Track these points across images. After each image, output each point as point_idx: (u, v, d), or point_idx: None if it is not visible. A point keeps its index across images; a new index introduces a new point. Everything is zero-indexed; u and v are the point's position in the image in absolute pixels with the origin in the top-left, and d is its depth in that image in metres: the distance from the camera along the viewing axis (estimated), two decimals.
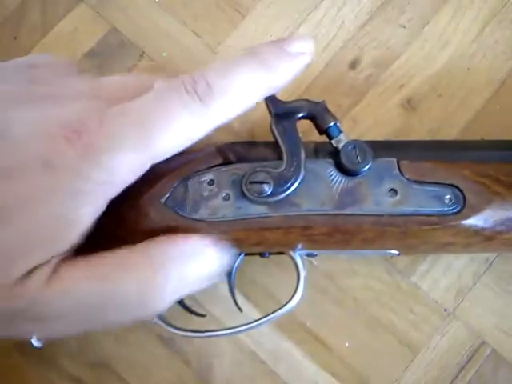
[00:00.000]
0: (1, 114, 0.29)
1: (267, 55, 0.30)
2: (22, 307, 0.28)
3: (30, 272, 0.27)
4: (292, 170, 0.31)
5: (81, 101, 0.30)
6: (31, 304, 0.28)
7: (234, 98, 0.29)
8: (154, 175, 0.31)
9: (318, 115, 0.32)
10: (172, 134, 0.29)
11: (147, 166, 0.29)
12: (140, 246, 0.30)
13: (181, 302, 0.36)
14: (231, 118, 0.30)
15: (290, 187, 0.31)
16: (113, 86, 0.32)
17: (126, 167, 0.28)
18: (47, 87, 0.31)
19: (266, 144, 0.33)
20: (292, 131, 0.32)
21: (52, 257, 0.28)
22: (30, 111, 0.29)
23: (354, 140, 0.32)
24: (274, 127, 0.32)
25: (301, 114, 0.32)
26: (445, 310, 0.38)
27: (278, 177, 0.31)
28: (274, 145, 0.32)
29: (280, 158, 0.32)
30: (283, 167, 0.31)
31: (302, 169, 0.31)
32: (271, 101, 0.32)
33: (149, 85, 0.30)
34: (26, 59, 0.34)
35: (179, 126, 0.29)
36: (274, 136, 0.32)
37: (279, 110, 0.32)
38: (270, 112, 0.32)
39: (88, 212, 0.28)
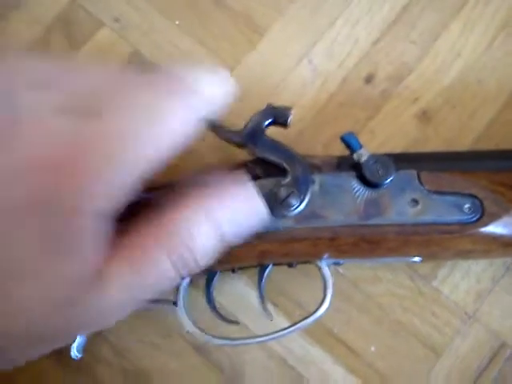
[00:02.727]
0: None
1: None
2: (86, 320, 0.28)
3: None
4: (298, 167, 0.33)
5: (46, 124, 0.25)
6: (95, 313, 0.28)
7: None
8: None
9: (274, 116, 0.33)
10: (161, 146, 0.27)
11: (137, 186, 0.27)
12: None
13: (215, 311, 0.37)
14: None
15: (310, 182, 0.33)
16: (81, 93, 0.27)
17: (114, 197, 0.26)
18: None
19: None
20: (269, 142, 0.33)
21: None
22: None
23: (375, 154, 0.34)
24: (256, 152, 0.33)
25: (264, 125, 0.33)
26: (465, 313, 0.39)
27: (295, 181, 0.33)
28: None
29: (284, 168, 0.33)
30: (291, 172, 0.33)
31: (301, 158, 0.33)
32: (232, 137, 0.33)
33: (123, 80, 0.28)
34: None
35: (166, 139, 0.27)
36: (264, 157, 0.33)
37: (246, 137, 0.33)
38: (240, 146, 0.33)
39: (92, 247, 0.26)
